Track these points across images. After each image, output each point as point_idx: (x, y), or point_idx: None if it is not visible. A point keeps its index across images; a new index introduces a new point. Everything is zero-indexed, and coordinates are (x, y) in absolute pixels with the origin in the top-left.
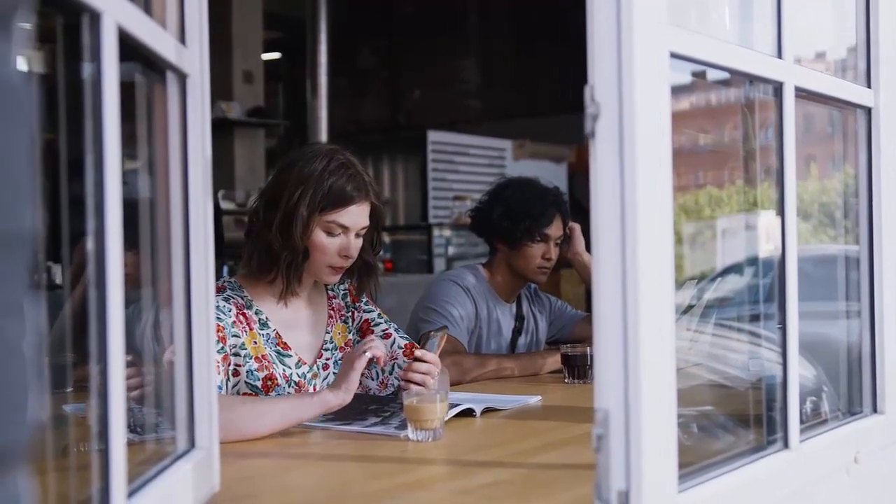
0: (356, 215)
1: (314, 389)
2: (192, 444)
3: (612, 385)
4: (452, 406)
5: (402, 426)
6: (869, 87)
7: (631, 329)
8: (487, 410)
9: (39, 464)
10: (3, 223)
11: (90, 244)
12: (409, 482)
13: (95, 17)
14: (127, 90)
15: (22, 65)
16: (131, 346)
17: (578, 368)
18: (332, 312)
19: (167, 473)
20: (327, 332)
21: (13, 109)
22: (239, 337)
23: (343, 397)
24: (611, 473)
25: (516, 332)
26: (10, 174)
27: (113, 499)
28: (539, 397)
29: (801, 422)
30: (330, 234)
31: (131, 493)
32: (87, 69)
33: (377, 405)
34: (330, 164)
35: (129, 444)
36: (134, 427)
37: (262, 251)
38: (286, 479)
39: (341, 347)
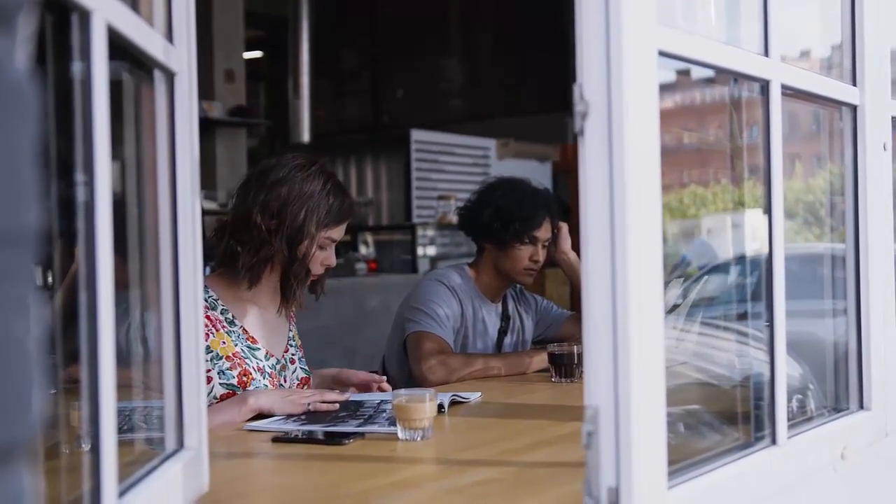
0: (344, 230)
1: (284, 381)
2: (181, 444)
3: (601, 382)
4: None
5: (392, 423)
6: (854, 84)
7: (620, 326)
8: (454, 403)
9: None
10: (9, 220)
11: (80, 245)
12: (399, 481)
13: (85, 16)
14: (113, 89)
15: (25, 63)
16: (117, 347)
17: (565, 367)
18: (291, 314)
19: (157, 474)
20: (290, 330)
21: (18, 108)
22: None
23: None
24: (601, 470)
25: (502, 331)
26: (16, 172)
27: (104, 499)
28: (479, 394)
29: (788, 419)
30: (321, 248)
31: (122, 493)
32: (75, 67)
33: (346, 412)
34: (328, 184)
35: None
36: (121, 427)
37: (263, 262)
38: (275, 480)
39: (300, 346)
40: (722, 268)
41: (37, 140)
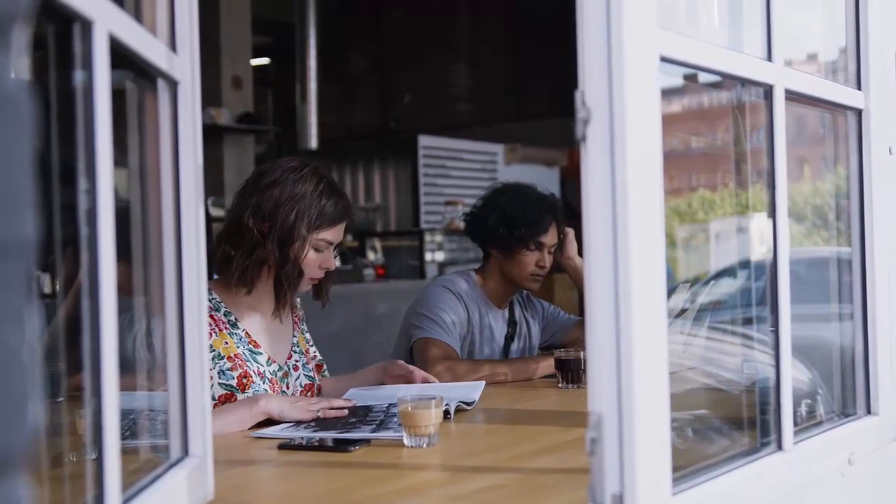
0: (341, 232)
1: (286, 388)
2: (185, 452)
3: (605, 388)
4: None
5: (401, 429)
6: (859, 88)
7: (623, 332)
8: (459, 410)
9: (34, 472)
10: (5, 231)
11: (83, 253)
12: (405, 488)
13: (87, 26)
14: (117, 97)
15: (21, 74)
16: (123, 356)
17: (572, 373)
18: (295, 319)
19: (161, 481)
20: (294, 336)
21: (14, 119)
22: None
23: (279, 408)
24: (605, 477)
25: (509, 337)
26: (11, 183)
27: None
28: (482, 383)
29: (796, 424)
30: (317, 250)
31: (126, 501)
32: (77, 77)
33: (356, 418)
34: (320, 185)
35: (123, 451)
36: (125, 434)
37: (256, 265)
38: (280, 487)
39: (305, 352)
40: (730, 272)
41: (33, 150)
